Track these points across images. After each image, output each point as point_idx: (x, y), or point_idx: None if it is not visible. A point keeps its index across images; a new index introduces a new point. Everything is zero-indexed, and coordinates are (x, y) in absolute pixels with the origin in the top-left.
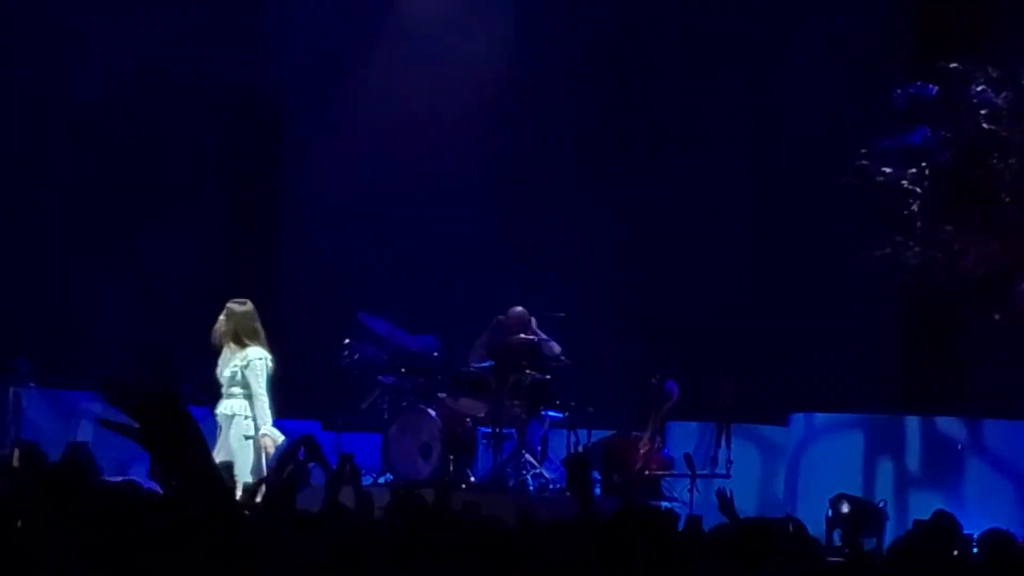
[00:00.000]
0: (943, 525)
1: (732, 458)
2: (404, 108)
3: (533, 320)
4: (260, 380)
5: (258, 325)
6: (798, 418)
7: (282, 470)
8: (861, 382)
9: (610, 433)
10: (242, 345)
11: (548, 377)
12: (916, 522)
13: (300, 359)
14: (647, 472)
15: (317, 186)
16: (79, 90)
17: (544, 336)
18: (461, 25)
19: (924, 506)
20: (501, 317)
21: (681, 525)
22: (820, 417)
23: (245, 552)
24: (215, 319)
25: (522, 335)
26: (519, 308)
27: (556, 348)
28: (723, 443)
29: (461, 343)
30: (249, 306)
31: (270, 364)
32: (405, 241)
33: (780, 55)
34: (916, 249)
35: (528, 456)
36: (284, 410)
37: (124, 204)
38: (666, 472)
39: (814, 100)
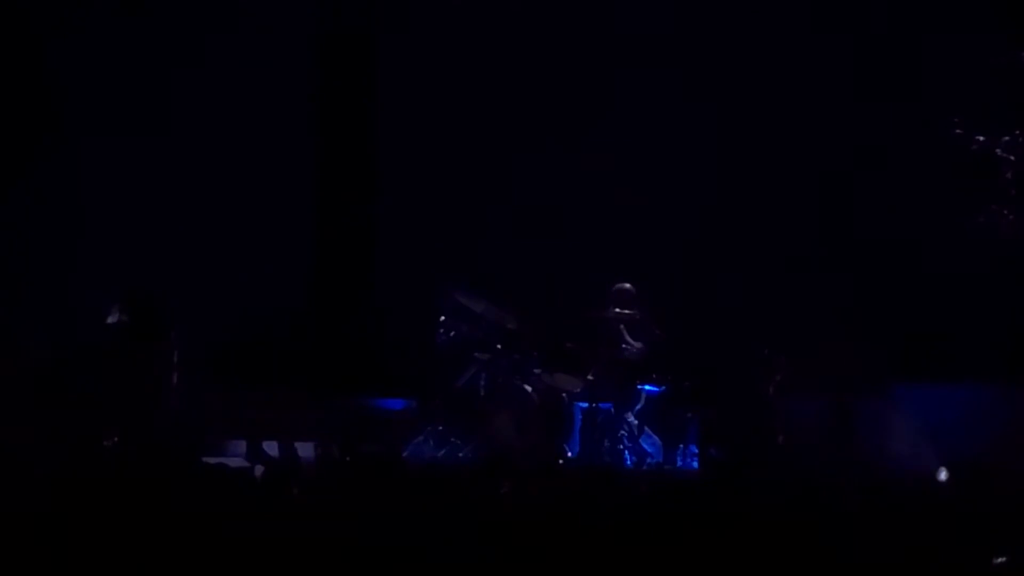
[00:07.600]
0: None
1: None
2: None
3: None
4: None
5: None
6: (901, 389)
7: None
8: (963, 353)
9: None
10: None
11: (644, 351)
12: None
13: (396, 338)
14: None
15: (412, 163)
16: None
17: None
18: None
19: None
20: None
21: None
22: (923, 388)
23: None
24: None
25: (617, 309)
26: (626, 285)
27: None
28: None
29: (555, 317)
30: None
31: None
32: (500, 215)
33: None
34: (1011, 218)
35: (625, 431)
36: (381, 389)
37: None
38: None
39: (909, 68)
